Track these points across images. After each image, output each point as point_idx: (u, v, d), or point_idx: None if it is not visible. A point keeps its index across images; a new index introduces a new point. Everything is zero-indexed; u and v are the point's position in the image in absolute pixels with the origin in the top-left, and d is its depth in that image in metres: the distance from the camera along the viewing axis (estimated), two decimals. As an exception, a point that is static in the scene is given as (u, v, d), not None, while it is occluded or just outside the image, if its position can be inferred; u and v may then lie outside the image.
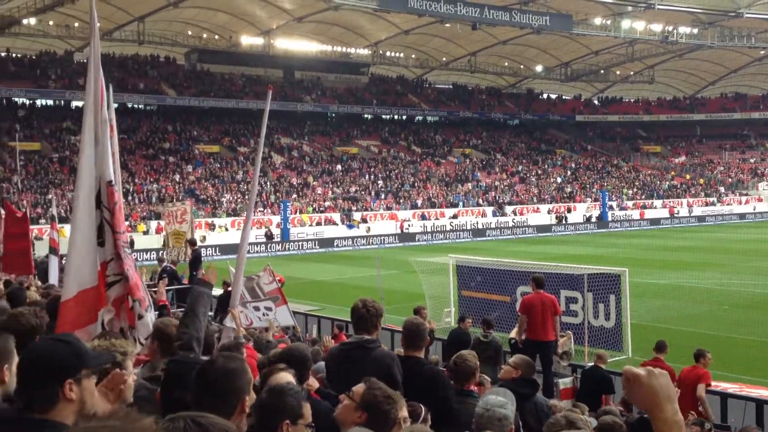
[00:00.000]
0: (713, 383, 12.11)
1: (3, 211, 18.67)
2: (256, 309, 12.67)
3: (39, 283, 15.80)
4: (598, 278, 18.44)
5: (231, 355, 3.51)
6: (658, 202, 72.41)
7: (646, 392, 2.21)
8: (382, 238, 53.82)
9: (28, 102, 62.85)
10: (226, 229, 49.52)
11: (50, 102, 63.75)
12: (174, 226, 24.10)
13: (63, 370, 2.80)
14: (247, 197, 57.04)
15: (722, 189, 77.90)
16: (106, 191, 5.64)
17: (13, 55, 65.34)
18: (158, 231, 47.94)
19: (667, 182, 78.83)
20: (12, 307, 7.17)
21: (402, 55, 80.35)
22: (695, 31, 73.35)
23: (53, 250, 18.82)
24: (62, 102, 63.32)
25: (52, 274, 18.13)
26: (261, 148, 9.42)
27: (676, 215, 69.69)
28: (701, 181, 79.82)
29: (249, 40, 71.27)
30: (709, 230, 58.41)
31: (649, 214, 68.93)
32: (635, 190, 75.67)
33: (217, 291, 20.00)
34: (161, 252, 24.55)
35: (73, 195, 6.22)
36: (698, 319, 22.34)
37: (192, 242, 21.88)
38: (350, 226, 55.58)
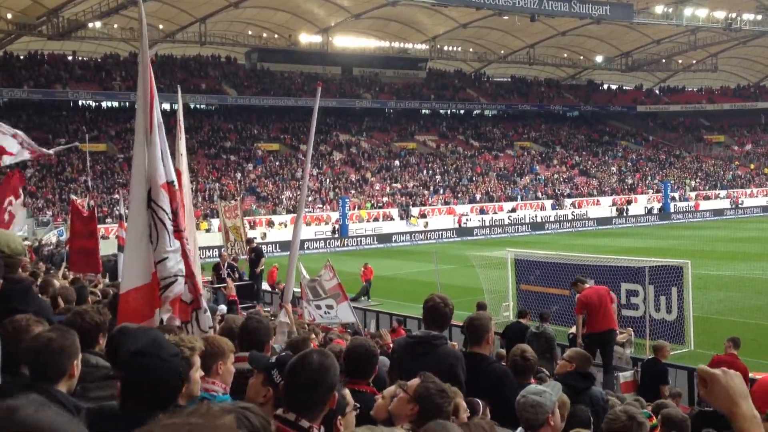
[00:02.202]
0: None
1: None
2: (318, 307, 12.95)
3: (107, 281, 16.35)
4: (659, 270, 18.27)
5: (324, 351, 3.53)
6: (722, 192, 70.93)
7: (723, 391, 2.27)
8: (440, 233, 53.86)
9: (94, 104, 64.46)
10: (285, 226, 50.13)
11: (115, 103, 65.29)
12: (233, 220, 24.69)
13: (181, 383, 3.11)
14: (305, 194, 57.64)
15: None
16: (165, 191, 5.68)
17: (79, 58, 67.08)
18: (220, 229, 48.78)
19: (731, 172, 77.11)
20: (74, 305, 7.51)
21: (460, 49, 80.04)
22: (759, 17, 71.40)
23: (121, 248, 19.38)
24: (127, 103, 64.71)
25: (120, 271, 18.71)
26: (311, 146, 9.64)
27: (740, 206, 68.23)
28: (766, 170, 77.85)
29: (308, 38, 71.82)
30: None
31: (707, 205, 67.61)
32: (698, 180, 74.23)
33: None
34: (223, 248, 25.07)
35: (129, 195, 6.38)
36: (764, 311, 21.96)
37: (249, 241, 22.32)
38: (410, 225, 55.72)
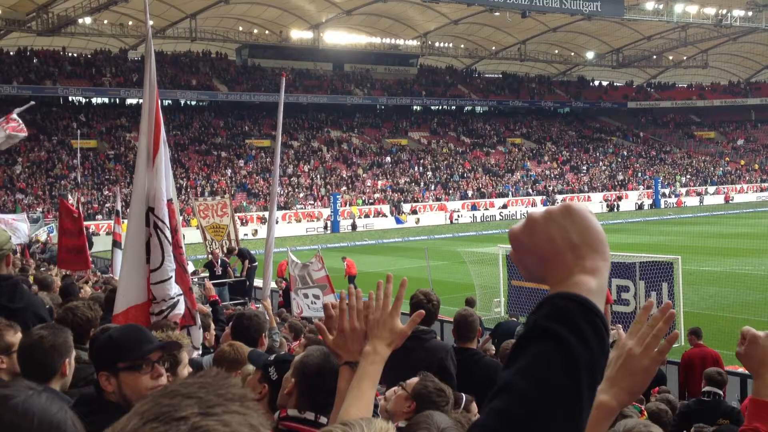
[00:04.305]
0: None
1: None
2: (306, 296, 12.93)
3: (99, 275, 16.26)
4: (650, 266, 18.28)
5: (326, 351, 3.53)
6: (711, 189, 71.17)
7: (760, 352, 2.40)
8: (432, 229, 53.85)
9: (84, 100, 64.20)
10: (277, 222, 50.01)
11: (106, 100, 65.01)
12: (213, 219, 24.44)
13: (99, 363, 3.09)
14: (297, 190, 57.58)
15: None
16: (166, 209, 5.70)
17: (69, 54, 66.76)
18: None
19: (722, 168, 77.37)
20: (64, 301, 7.48)
21: (451, 45, 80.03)
22: (749, 13, 71.66)
23: (117, 243, 19.35)
24: (117, 100, 64.53)
25: (116, 267, 18.68)
26: (279, 138, 9.65)
27: (730, 201, 68.47)
28: (756, 166, 78.15)
29: (299, 35, 71.72)
30: (765, 216, 57.09)
31: (696, 201, 67.84)
32: (689, 177, 74.47)
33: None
34: (215, 246, 24.90)
35: (128, 211, 6.36)
36: (753, 307, 22.00)
37: (230, 250, 22.11)
38: (399, 221, 55.69)
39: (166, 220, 5.66)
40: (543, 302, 1.28)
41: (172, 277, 5.65)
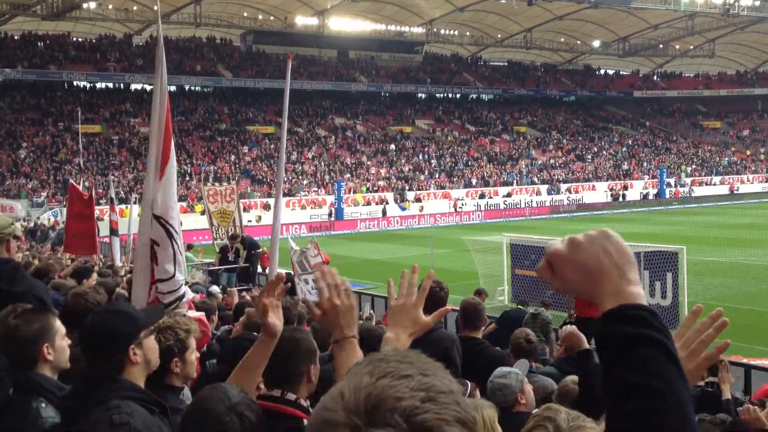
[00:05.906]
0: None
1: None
2: (306, 282, 12.95)
3: (104, 261, 16.28)
4: (655, 256, 18.28)
5: (296, 327, 3.65)
6: (717, 179, 71.02)
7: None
8: (436, 217, 53.84)
9: (88, 85, 64.12)
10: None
11: (110, 85, 64.91)
12: (221, 204, 24.36)
13: (125, 339, 3.11)
14: (300, 177, 57.55)
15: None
16: (177, 218, 5.72)
17: (74, 39, 66.68)
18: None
19: (727, 158, 77.15)
20: (78, 284, 7.48)
21: (456, 32, 79.74)
22: (757, 3, 71.25)
23: (114, 231, 19.37)
24: (122, 85, 64.41)
25: (116, 255, 18.73)
26: (285, 122, 9.62)
27: (736, 191, 68.29)
28: (761, 156, 77.91)
29: (303, 21, 71.49)
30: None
31: (701, 191, 67.70)
32: (694, 166, 74.27)
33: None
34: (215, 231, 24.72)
35: (139, 220, 6.33)
36: (758, 297, 21.98)
37: (233, 237, 21.98)
38: (403, 209, 55.63)
39: (178, 228, 5.64)
40: (613, 313, 1.45)
41: (179, 287, 5.65)
